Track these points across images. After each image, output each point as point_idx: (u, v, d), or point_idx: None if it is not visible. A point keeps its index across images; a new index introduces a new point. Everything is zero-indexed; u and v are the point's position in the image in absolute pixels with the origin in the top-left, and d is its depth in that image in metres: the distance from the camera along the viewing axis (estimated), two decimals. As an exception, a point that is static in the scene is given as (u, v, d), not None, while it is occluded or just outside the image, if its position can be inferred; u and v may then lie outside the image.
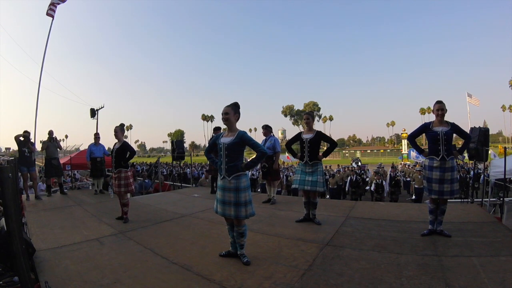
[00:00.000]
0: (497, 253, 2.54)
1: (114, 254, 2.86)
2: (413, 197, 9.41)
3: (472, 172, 10.96)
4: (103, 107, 15.75)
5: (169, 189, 8.60)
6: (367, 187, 10.33)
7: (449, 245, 2.78)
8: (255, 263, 2.50)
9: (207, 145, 3.15)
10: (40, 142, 6.60)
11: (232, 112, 2.57)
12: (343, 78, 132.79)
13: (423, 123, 3.45)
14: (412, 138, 3.51)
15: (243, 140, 2.51)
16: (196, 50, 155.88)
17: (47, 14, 11.51)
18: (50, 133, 6.48)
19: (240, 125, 2.62)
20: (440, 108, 3.08)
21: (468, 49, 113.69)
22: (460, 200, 5.89)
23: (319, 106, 79.49)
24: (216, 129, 5.96)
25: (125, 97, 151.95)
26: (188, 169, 16.37)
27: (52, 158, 6.42)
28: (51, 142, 6.43)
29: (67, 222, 4.19)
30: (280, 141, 5.39)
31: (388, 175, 10.03)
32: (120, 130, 4.25)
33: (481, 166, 8.31)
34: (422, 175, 3.30)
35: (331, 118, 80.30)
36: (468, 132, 4.20)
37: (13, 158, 3.87)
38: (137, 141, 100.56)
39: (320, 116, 78.86)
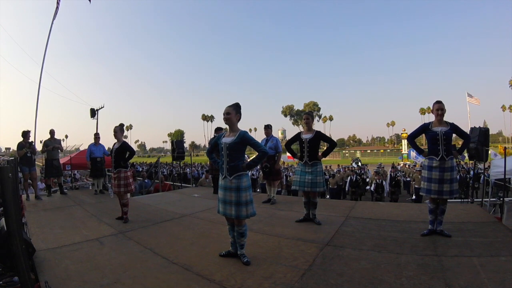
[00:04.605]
0: (497, 253, 2.54)
1: (114, 254, 2.86)
2: (413, 197, 9.41)
3: (472, 172, 10.97)
4: (103, 107, 15.76)
5: (170, 189, 8.60)
6: (367, 187, 10.34)
7: (449, 245, 2.78)
8: (255, 263, 2.50)
9: (207, 145, 3.17)
10: (40, 142, 6.57)
11: (234, 112, 2.58)
12: (343, 78, 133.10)
13: (423, 123, 3.45)
14: (411, 139, 3.52)
15: (244, 140, 2.52)
16: (196, 50, 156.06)
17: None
18: (52, 132, 6.46)
19: (240, 125, 2.63)
20: (439, 108, 3.09)
21: (468, 49, 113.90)
22: (460, 200, 5.89)
23: (319, 106, 79.61)
24: (218, 129, 5.96)
25: (125, 97, 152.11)
26: (188, 169, 16.39)
27: (54, 159, 6.42)
28: (51, 141, 6.41)
29: (67, 222, 4.19)
30: (280, 141, 5.40)
31: (388, 175, 10.03)
32: (119, 130, 4.24)
33: (481, 166, 8.31)
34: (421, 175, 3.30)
35: (331, 118, 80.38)
36: (468, 132, 4.21)
37: (13, 158, 3.87)
38: (137, 141, 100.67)
39: (320, 116, 78.89)
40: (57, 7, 11.48)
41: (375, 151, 67.38)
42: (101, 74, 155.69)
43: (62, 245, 3.11)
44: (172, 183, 9.79)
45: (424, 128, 3.22)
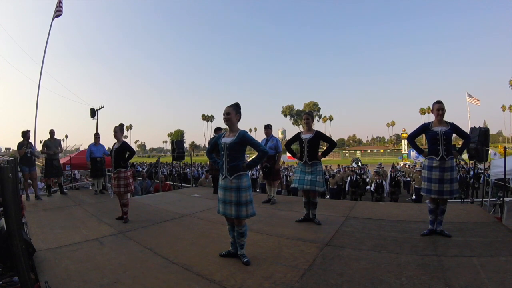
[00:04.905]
0: (497, 253, 2.54)
1: (114, 254, 2.86)
2: (413, 197, 9.42)
3: (472, 172, 10.97)
4: (103, 107, 15.77)
5: (170, 189, 8.60)
6: (367, 187, 10.34)
7: (449, 245, 2.78)
8: (255, 263, 2.50)
9: (207, 145, 3.17)
10: (40, 142, 6.59)
11: (234, 112, 2.58)
12: (343, 78, 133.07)
13: (423, 123, 3.45)
14: (411, 139, 3.52)
15: (244, 140, 2.52)
16: (196, 50, 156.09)
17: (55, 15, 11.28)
18: (52, 132, 6.47)
19: (240, 125, 2.63)
20: (440, 108, 3.09)
21: (468, 49, 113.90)
22: (460, 200, 5.89)
23: (319, 106, 79.58)
24: (218, 129, 5.97)
25: (125, 97, 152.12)
26: (188, 169, 16.39)
27: (54, 159, 6.43)
28: (51, 141, 6.43)
29: (67, 222, 4.19)
30: (280, 141, 5.40)
31: (388, 175, 10.03)
32: (119, 130, 4.24)
33: (481, 166, 8.31)
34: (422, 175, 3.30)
35: (331, 118, 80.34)
36: (468, 132, 4.21)
37: (13, 158, 3.86)
38: (137, 141, 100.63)
39: (320, 116, 78.86)
40: (60, 7, 11.38)
41: (375, 151, 67.37)
42: (101, 74, 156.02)
43: (62, 245, 3.11)
44: (172, 183, 9.79)
45: (424, 128, 3.22)
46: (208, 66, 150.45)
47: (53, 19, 11.53)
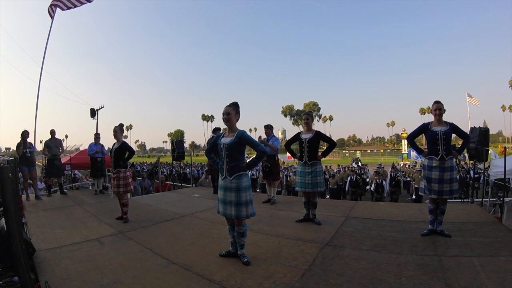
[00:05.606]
0: (497, 253, 2.54)
1: (114, 254, 2.86)
2: (413, 197, 9.41)
3: (472, 172, 10.97)
4: (103, 107, 15.68)
5: (170, 189, 8.60)
6: (367, 187, 10.33)
7: (449, 245, 2.78)
8: (255, 263, 2.50)
9: (207, 145, 3.16)
10: (41, 142, 6.60)
11: (233, 112, 2.58)
12: (343, 78, 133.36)
13: (422, 123, 3.46)
14: (411, 139, 3.52)
15: (243, 139, 2.52)
16: (196, 50, 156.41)
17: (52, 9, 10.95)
18: (52, 132, 6.49)
19: (240, 125, 2.63)
20: (437, 108, 3.09)
21: (468, 49, 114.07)
22: (460, 200, 5.89)
23: (319, 106, 79.61)
24: (216, 130, 5.97)
25: (125, 97, 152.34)
26: (188, 169, 16.38)
27: (55, 159, 6.44)
28: (52, 141, 6.44)
29: (67, 222, 4.19)
30: (280, 141, 5.40)
31: (389, 175, 10.02)
32: (119, 130, 4.25)
33: (481, 166, 8.31)
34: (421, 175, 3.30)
35: (331, 118, 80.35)
36: (468, 132, 4.21)
37: (13, 158, 3.87)
38: (137, 141, 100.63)
39: (320, 116, 78.87)
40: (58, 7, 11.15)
41: (375, 151, 67.37)
42: (101, 74, 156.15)
43: (62, 245, 3.11)
44: (172, 183, 9.79)
45: (424, 128, 3.22)
46: (208, 66, 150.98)
47: (52, 10, 11.16)
